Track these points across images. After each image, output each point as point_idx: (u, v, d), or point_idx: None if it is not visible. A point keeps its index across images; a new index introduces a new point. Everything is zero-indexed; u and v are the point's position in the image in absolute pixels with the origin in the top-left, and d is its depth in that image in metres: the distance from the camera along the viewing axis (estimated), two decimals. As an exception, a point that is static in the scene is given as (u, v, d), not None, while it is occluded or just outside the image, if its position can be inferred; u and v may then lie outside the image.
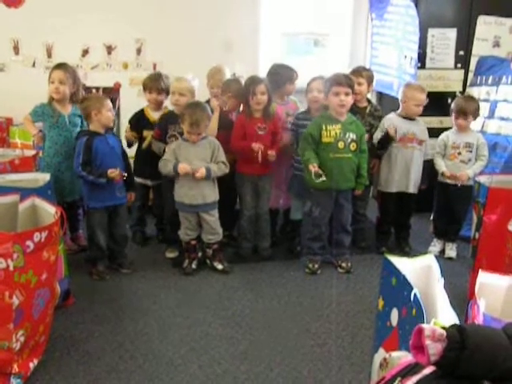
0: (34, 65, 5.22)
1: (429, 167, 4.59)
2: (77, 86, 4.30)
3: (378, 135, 4.52)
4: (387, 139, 4.45)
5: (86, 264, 4.18)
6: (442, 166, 4.51)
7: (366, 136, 4.35)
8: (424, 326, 1.32)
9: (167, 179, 4.21)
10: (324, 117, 4.18)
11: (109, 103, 4.04)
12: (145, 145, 4.45)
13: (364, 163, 4.25)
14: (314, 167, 4.01)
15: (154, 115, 4.51)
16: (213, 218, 4.19)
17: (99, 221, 4.06)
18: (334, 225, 4.33)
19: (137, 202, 4.56)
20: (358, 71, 4.66)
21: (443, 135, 4.58)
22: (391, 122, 4.50)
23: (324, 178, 4.02)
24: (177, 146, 4.10)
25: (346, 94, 4.08)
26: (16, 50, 5.18)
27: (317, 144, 4.11)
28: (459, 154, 4.48)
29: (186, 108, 4.08)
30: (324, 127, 4.10)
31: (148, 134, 4.43)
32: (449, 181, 4.50)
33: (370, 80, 4.68)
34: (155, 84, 4.47)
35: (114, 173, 3.90)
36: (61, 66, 4.25)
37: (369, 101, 4.76)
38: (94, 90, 5.30)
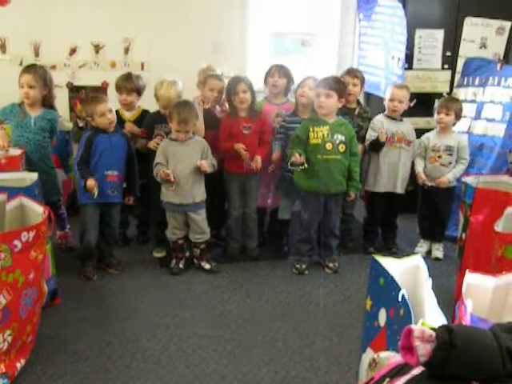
0: (21, 64, 5.16)
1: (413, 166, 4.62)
2: (48, 88, 4.13)
3: (370, 136, 4.52)
4: (378, 143, 4.46)
5: (74, 263, 4.17)
6: (418, 166, 4.54)
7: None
8: (413, 326, 1.33)
9: (154, 179, 4.18)
10: (312, 119, 4.19)
11: (101, 107, 3.93)
12: None
13: (356, 167, 4.25)
14: (295, 157, 4.00)
15: (127, 114, 4.47)
16: (200, 218, 4.19)
17: (91, 217, 4.05)
18: (322, 229, 4.33)
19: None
20: (353, 72, 4.66)
21: (423, 137, 4.60)
22: (380, 122, 4.52)
23: (305, 166, 4.02)
24: (166, 145, 4.10)
25: (327, 96, 4.08)
26: (3, 48, 5.14)
27: (305, 146, 4.11)
28: (439, 157, 4.49)
29: (173, 107, 4.08)
30: (311, 129, 4.11)
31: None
32: (428, 182, 4.53)
33: (362, 81, 4.69)
34: (124, 84, 4.41)
35: (91, 185, 3.90)
36: (29, 70, 4.08)
37: (358, 102, 4.77)
38: (82, 90, 5.30)
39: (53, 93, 4.23)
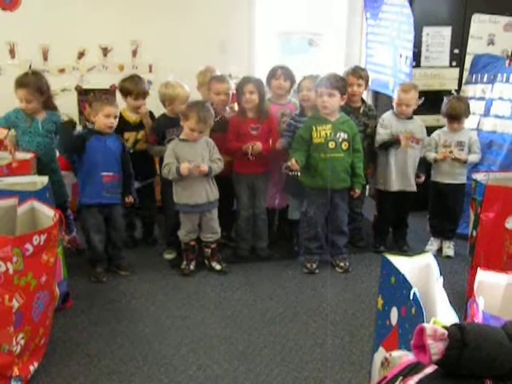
0: (30, 68, 5.20)
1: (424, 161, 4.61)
2: (47, 94, 4.12)
3: (380, 135, 4.49)
4: (394, 142, 4.44)
5: (85, 266, 4.18)
6: (432, 155, 4.51)
7: (361, 135, 4.36)
8: (425, 325, 1.33)
9: (166, 182, 4.19)
10: (314, 118, 4.20)
11: (109, 109, 3.94)
12: (129, 146, 4.33)
13: (359, 162, 4.25)
14: (291, 162, 4.02)
15: (133, 116, 4.45)
16: (213, 217, 4.21)
17: (92, 221, 4.05)
18: (329, 226, 4.33)
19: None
20: (357, 72, 4.63)
21: (434, 134, 4.59)
22: (389, 120, 4.50)
23: (298, 174, 4.08)
24: (175, 146, 4.09)
25: (329, 95, 4.08)
26: (12, 53, 5.14)
27: (308, 145, 4.13)
28: (450, 152, 4.47)
29: (191, 106, 4.06)
30: (314, 128, 4.12)
31: (130, 135, 4.37)
32: (440, 180, 4.53)
33: (367, 80, 4.68)
34: (138, 88, 4.38)
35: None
36: (23, 83, 4.02)
37: (363, 100, 4.76)
38: (91, 93, 5.30)
39: (51, 95, 4.20)
